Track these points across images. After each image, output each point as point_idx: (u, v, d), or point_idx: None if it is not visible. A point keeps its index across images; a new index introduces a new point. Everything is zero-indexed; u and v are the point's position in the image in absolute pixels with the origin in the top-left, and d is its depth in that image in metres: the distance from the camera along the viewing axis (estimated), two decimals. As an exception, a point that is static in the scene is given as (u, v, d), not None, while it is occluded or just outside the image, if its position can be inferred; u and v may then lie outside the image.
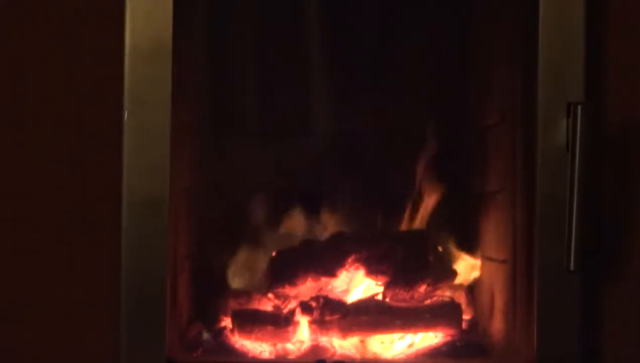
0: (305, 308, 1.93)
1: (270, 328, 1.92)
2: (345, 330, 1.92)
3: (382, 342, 1.93)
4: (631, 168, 1.78)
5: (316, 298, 1.94)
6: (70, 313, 1.76)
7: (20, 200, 1.76)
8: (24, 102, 1.76)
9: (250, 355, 1.90)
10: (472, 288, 2.05)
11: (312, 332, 1.92)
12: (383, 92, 2.10)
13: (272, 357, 1.90)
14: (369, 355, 1.91)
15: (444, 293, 2.01)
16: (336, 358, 1.87)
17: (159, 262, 1.74)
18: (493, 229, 2.00)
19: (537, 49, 1.76)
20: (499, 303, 1.95)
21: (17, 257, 1.77)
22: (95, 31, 1.76)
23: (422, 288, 1.98)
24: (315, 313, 1.93)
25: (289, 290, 1.99)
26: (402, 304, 1.97)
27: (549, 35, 1.76)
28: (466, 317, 2.00)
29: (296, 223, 2.06)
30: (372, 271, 1.99)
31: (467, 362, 1.90)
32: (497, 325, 1.96)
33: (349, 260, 1.99)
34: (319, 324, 1.92)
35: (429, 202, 2.06)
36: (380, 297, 1.98)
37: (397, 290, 1.97)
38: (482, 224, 2.04)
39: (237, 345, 1.92)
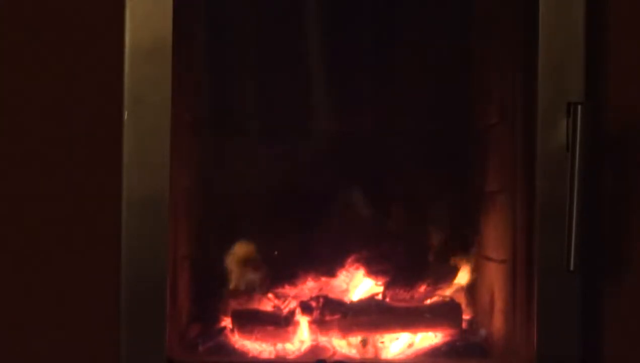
0: (305, 308, 1.93)
1: (270, 328, 1.92)
2: (345, 330, 1.92)
3: (382, 342, 1.93)
4: (631, 168, 1.78)
5: (316, 298, 1.94)
6: (70, 313, 1.76)
7: (20, 200, 1.76)
8: (23, 101, 1.76)
9: (250, 355, 1.90)
10: (472, 288, 2.05)
11: (312, 332, 1.92)
12: (383, 92, 2.10)
13: (272, 357, 1.90)
14: (369, 355, 1.91)
15: (444, 293, 2.01)
16: (336, 358, 1.87)
17: (159, 262, 1.74)
18: (493, 229, 2.00)
19: (537, 49, 1.76)
20: (499, 303, 1.95)
21: (17, 256, 1.77)
22: (95, 31, 1.76)
23: (422, 288, 1.98)
24: (315, 313, 1.93)
25: (289, 290, 1.99)
26: (402, 304, 1.97)
27: (549, 35, 1.76)
28: (466, 317, 2.00)
29: (296, 223, 2.05)
30: (372, 271, 1.99)
31: (467, 362, 1.90)
32: (497, 325, 1.96)
33: (349, 260, 1.99)
34: (319, 324, 1.92)
35: (429, 202, 2.06)
36: (380, 297, 1.98)
37: (397, 290, 1.97)
38: (482, 224, 2.04)
39: (237, 345, 1.92)
